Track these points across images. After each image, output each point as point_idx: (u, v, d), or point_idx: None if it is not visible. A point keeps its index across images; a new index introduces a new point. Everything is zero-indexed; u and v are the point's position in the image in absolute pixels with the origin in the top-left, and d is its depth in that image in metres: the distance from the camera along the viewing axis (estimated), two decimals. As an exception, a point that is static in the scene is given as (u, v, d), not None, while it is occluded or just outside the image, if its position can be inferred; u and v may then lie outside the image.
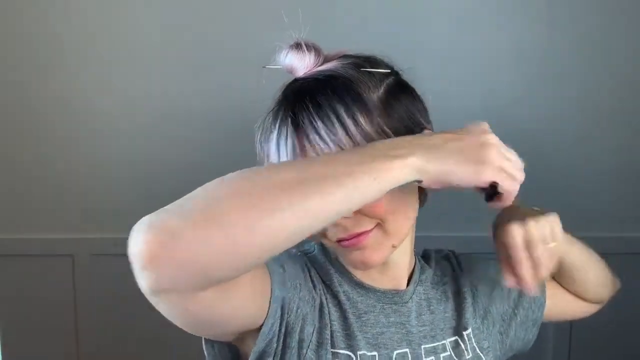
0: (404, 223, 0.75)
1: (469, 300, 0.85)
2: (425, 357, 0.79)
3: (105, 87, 1.63)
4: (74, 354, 1.70)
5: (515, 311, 0.90)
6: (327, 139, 0.68)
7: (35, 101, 1.64)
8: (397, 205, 0.72)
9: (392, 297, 0.80)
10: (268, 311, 0.67)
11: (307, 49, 0.74)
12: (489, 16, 1.63)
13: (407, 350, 0.78)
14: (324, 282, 0.78)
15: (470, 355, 0.81)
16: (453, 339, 0.82)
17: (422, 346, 0.79)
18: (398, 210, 0.73)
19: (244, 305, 0.65)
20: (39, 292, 1.69)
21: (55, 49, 1.61)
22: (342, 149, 0.67)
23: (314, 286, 0.76)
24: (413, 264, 0.85)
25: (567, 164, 1.66)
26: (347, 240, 0.72)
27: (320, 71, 0.74)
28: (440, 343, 0.81)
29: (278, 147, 0.71)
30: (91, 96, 1.64)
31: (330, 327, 0.75)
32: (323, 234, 0.73)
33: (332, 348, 0.74)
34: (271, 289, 0.68)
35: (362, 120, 0.69)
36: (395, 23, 1.58)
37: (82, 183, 1.66)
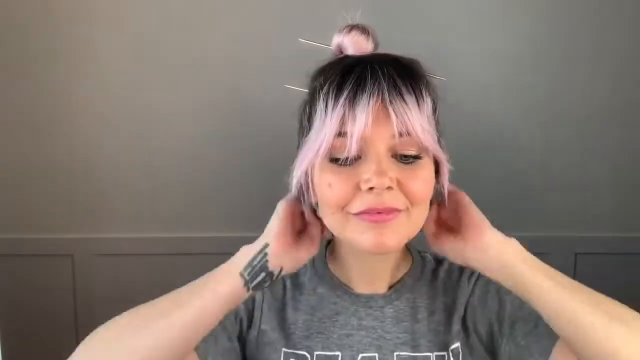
0: (423, 216, 0.72)
1: (459, 316, 0.79)
2: None
3: (106, 88, 1.63)
4: (74, 354, 1.70)
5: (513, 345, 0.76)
6: (408, 101, 0.66)
7: (35, 101, 1.63)
8: (429, 195, 0.71)
9: (367, 301, 0.78)
10: None
11: (372, 37, 0.73)
12: (489, 15, 1.63)
13: (375, 354, 0.76)
14: (284, 295, 0.81)
15: None
16: (441, 353, 0.76)
17: (395, 353, 0.76)
18: (428, 200, 0.71)
19: None
20: (39, 292, 1.69)
21: (55, 49, 1.62)
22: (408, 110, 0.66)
23: (253, 313, 0.80)
24: (406, 270, 0.82)
25: (567, 164, 1.66)
26: (377, 213, 0.67)
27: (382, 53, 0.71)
28: (422, 354, 0.76)
29: (353, 103, 0.66)
30: (91, 97, 1.64)
31: (287, 330, 0.78)
32: (342, 205, 0.68)
33: (286, 348, 0.77)
34: None
35: (429, 100, 0.69)
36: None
37: (82, 183, 1.66)
